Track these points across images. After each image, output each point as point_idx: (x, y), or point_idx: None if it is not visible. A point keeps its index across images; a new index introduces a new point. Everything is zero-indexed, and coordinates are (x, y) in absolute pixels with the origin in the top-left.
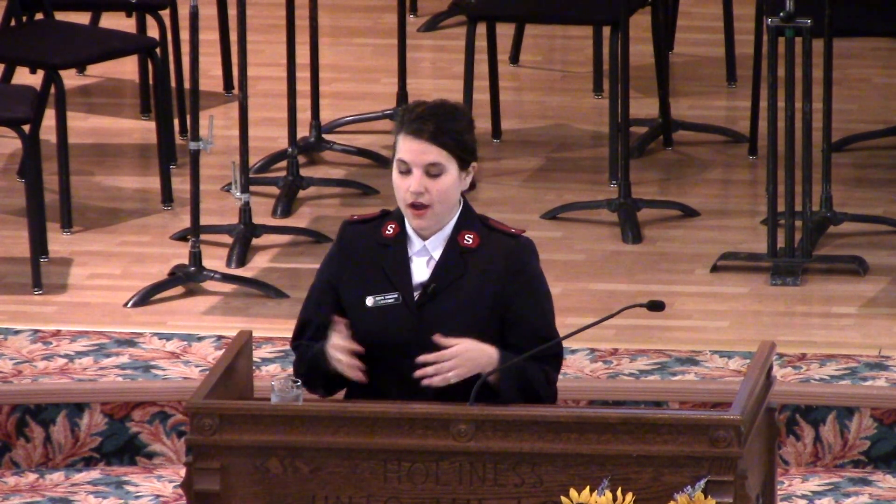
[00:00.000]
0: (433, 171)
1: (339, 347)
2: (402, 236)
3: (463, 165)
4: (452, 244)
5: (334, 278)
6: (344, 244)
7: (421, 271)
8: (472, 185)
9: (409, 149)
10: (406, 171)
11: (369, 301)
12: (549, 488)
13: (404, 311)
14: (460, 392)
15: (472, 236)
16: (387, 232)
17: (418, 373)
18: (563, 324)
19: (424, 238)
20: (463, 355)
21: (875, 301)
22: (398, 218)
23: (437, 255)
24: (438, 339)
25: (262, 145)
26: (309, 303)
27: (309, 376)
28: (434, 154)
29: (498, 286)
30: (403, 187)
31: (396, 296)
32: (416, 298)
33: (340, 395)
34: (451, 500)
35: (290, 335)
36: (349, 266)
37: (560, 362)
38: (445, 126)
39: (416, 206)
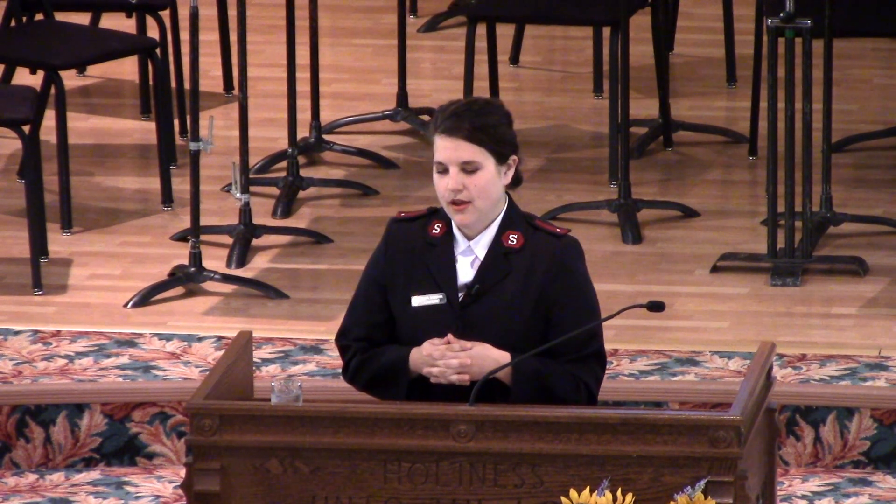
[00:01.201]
0: (469, 168)
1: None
2: (448, 236)
3: (501, 160)
4: (497, 244)
5: (381, 276)
6: (391, 241)
7: (466, 271)
8: (518, 180)
9: (444, 147)
10: (443, 171)
11: (414, 301)
12: (550, 489)
13: (448, 312)
14: (481, 393)
15: (516, 236)
16: (433, 231)
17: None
18: None
19: (470, 238)
20: (468, 358)
21: (875, 301)
22: (445, 217)
23: (481, 255)
24: (451, 339)
25: (262, 146)
26: (357, 302)
27: (384, 379)
28: (468, 151)
29: (541, 287)
30: (442, 186)
31: (441, 296)
32: (460, 299)
33: (340, 395)
34: (450, 501)
35: (289, 335)
36: (396, 264)
37: (601, 363)
38: (478, 122)
39: (457, 203)
